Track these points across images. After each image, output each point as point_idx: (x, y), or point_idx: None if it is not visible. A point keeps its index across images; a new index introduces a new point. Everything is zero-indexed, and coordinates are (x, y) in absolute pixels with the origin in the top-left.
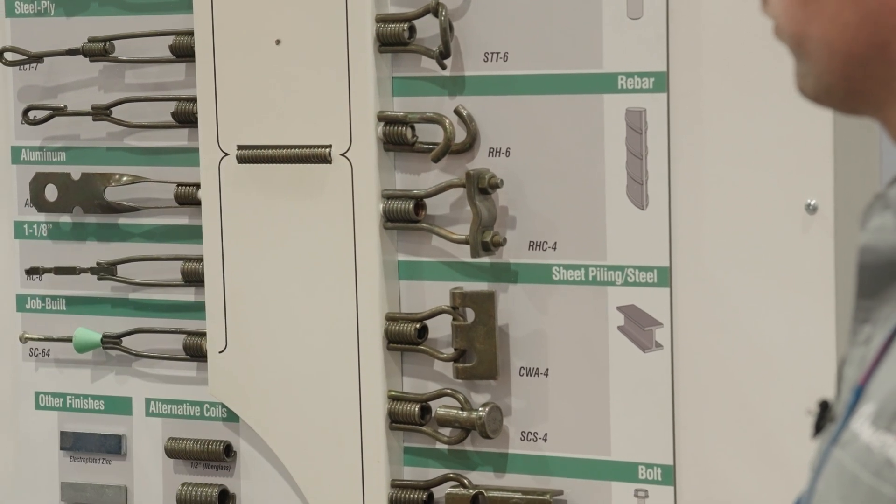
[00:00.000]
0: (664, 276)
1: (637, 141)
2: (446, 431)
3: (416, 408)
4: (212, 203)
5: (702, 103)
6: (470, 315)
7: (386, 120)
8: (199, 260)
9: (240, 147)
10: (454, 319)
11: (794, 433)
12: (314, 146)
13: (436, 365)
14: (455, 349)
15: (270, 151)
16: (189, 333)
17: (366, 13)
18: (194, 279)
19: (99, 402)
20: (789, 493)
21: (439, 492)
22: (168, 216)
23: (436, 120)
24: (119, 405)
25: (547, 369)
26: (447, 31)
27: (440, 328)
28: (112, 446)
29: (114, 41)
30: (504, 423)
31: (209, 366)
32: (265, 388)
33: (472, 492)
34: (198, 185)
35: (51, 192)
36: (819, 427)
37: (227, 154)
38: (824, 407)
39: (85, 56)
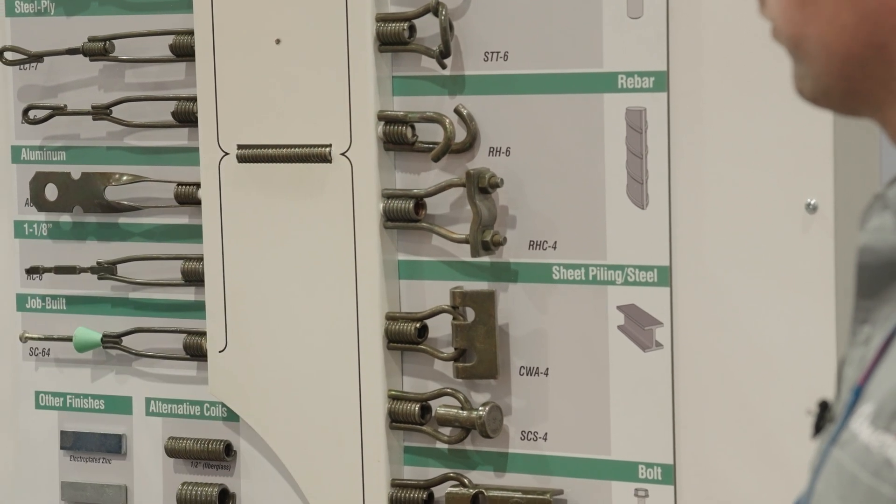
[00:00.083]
0: (664, 276)
1: (637, 140)
2: (446, 431)
3: (416, 407)
4: (212, 202)
5: (702, 103)
6: (470, 314)
7: (386, 119)
8: (200, 259)
9: (240, 146)
10: (454, 319)
11: (794, 433)
12: (314, 145)
13: (436, 364)
14: (455, 349)
15: (270, 151)
16: (189, 333)
17: (366, 12)
18: (194, 279)
19: (99, 402)
20: (789, 493)
21: (439, 491)
22: (168, 216)
23: (436, 119)
24: (119, 404)
25: (547, 369)
26: (447, 30)
27: (440, 327)
28: (112, 446)
29: (114, 40)
30: (504, 423)
31: (209, 365)
32: (265, 387)
33: (472, 491)
34: (198, 185)
35: (51, 192)
36: (819, 427)
37: (227, 153)
38: (824, 407)
39: (85, 55)
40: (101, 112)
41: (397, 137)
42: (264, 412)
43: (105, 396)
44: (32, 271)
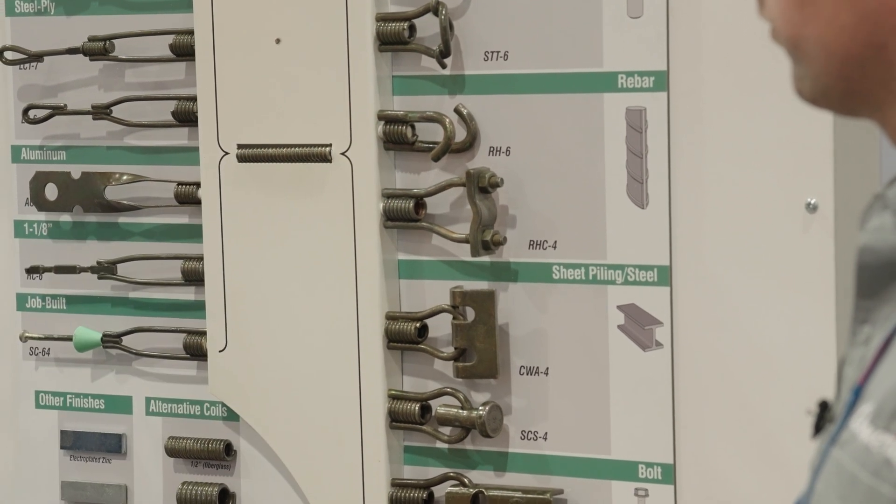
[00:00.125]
0: (664, 275)
1: (637, 140)
2: (446, 430)
3: (416, 407)
4: (212, 202)
5: (702, 102)
6: (470, 314)
7: (386, 119)
8: (200, 259)
9: (240, 146)
10: (454, 318)
11: (794, 433)
12: (314, 145)
13: (436, 364)
14: (455, 348)
15: (270, 150)
16: (189, 332)
17: (366, 12)
18: (194, 278)
19: (99, 401)
20: (789, 493)
21: (439, 491)
22: (168, 215)
23: (436, 119)
24: (119, 404)
25: (547, 368)
26: (447, 30)
27: (440, 327)
28: (112, 445)
29: (114, 40)
30: (504, 422)
31: (209, 365)
32: (265, 387)
33: (472, 491)
34: (198, 184)
35: (51, 191)
36: (819, 427)
37: (227, 153)
38: (824, 407)
39: (85, 55)
40: (101, 112)
41: (397, 137)
42: (264, 412)
43: (105, 396)
44: (32, 271)
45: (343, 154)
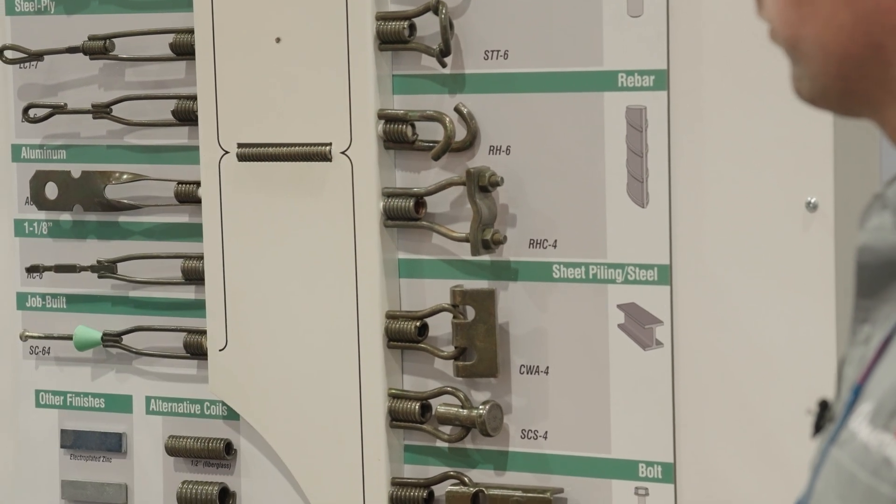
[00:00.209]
0: (664, 274)
1: (637, 139)
2: (447, 429)
3: (416, 406)
4: (212, 201)
5: (702, 101)
6: (470, 313)
7: (386, 118)
8: (200, 258)
9: (240, 145)
10: (454, 317)
11: (794, 433)
12: (314, 144)
13: (436, 363)
14: (455, 347)
15: (271, 149)
16: (189, 331)
17: (366, 11)
18: (194, 277)
19: (99, 400)
20: (789, 493)
21: (440, 490)
22: (168, 214)
23: (436, 118)
24: (119, 403)
25: (547, 367)
26: (447, 29)
27: (440, 326)
28: (112, 444)
29: (114, 39)
30: (504, 421)
31: (209, 364)
32: (265, 386)
33: (472, 490)
34: (198, 183)
35: (51, 190)
36: (819, 427)
37: (227, 152)
38: (824, 406)
39: (85, 54)
40: (101, 111)
41: (397, 136)
42: (264, 411)
43: (105, 395)
44: (33, 270)
45: (343, 153)
